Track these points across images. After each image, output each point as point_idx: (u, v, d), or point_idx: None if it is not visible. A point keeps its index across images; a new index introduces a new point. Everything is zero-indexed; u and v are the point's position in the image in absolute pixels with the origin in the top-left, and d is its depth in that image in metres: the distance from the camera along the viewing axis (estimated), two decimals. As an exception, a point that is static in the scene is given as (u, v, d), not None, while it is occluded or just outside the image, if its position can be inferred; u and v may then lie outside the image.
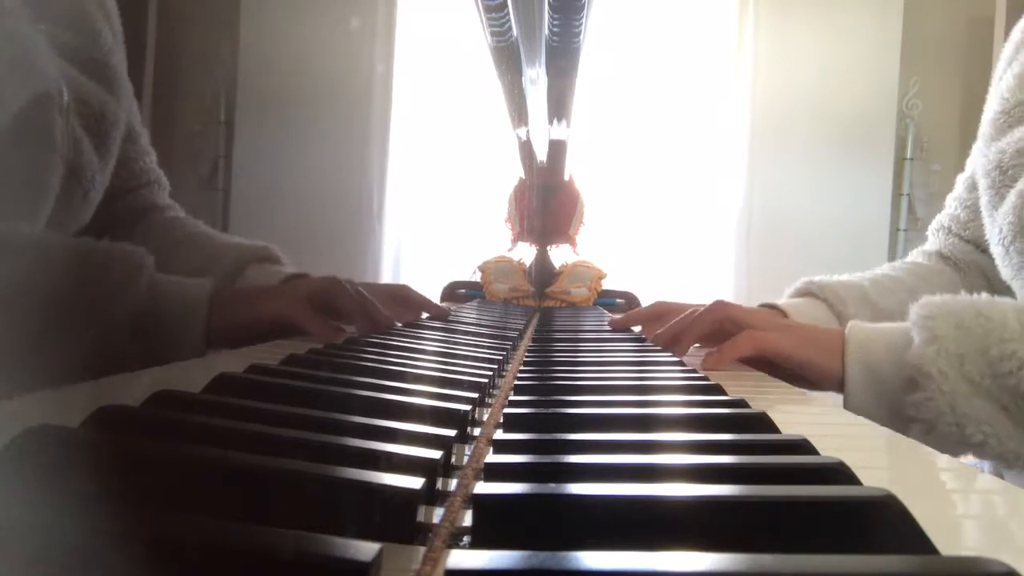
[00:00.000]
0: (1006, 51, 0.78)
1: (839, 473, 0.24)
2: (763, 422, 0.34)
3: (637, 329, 0.85)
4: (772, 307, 0.73)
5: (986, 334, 0.49)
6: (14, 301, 0.48)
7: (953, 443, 0.50)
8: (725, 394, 0.42)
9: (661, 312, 0.80)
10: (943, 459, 0.32)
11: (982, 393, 0.48)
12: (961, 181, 0.85)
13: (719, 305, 0.66)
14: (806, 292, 0.77)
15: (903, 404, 0.51)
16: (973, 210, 0.81)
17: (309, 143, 2.24)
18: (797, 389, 0.52)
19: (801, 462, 0.26)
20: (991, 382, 0.48)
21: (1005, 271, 0.69)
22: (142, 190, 0.86)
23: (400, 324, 0.72)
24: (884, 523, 0.20)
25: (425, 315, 0.84)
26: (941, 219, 0.88)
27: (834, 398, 0.58)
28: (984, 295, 0.53)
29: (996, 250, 0.69)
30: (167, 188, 0.90)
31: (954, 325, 0.50)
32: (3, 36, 0.56)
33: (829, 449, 0.28)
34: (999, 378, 0.48)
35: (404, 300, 0.82)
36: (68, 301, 0.51)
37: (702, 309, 0.67)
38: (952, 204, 0.86)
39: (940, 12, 2.23)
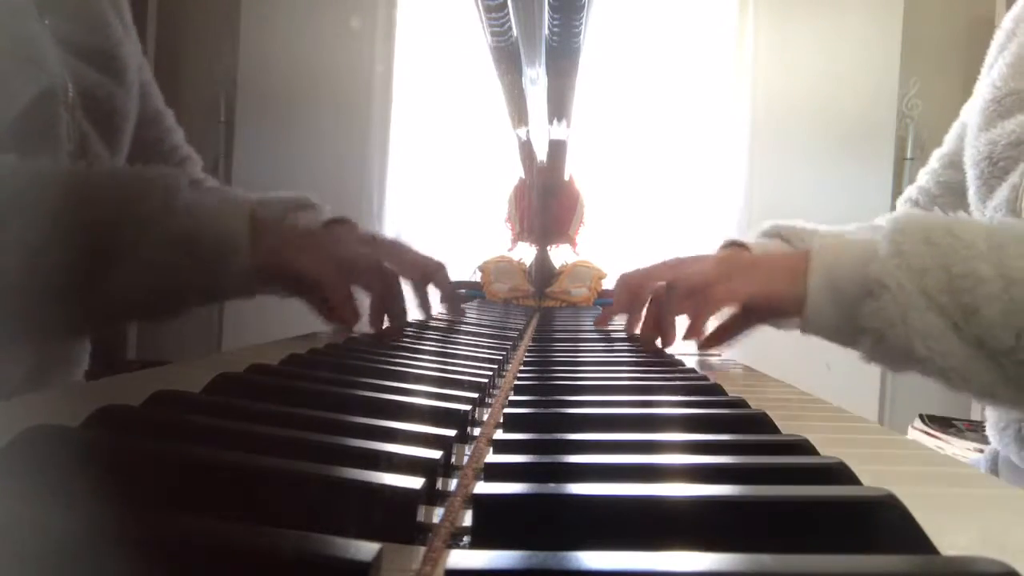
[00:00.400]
0: (997, 38, 0.78)
1: (839, 473, 0.24)
2: (763, 422, 0.34)
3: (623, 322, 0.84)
4: (737, 244, 0.73)
5: (952, 251, 0.49)
6: (50, 235, 0.47)
7: (898, 356, 0.50)
8: (725, 394, 0.42)
9: (631, 290, 0.77)
10: (943, 459, 0.32)
11: (935, 308, 0.49)
12: (936, 157, 0.84)
13: (671, 283, 0.63)
14: (773, 234, 0.78)
15: (857, 314, 0.51)
16: (946, 187, 0.81)
17: (309, 143, 2.24)
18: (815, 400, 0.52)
19: (801, 462, 0.26)
20: (947, 298, 0.48)
21: None
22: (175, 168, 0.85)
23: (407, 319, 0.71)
24: (884, 523, 0.20)
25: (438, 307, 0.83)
26: (910, 191, 0.88)
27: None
28: (962, 214, 0.53)
29: None
30: (200, 163, 0.89)
31: (922, 240, 0.50)
32: (7, 33, 0.56)
33: (829, 449, 0.28)
34: (956, 294, 0.48)
35: (434, 280, 0.79)
36: (106, 235, 0.50)
37: (662, 287, 0.64)
38: (923, 177, 0.86)
39: (940, 12, 2.23)
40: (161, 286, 0.51)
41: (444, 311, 0.86)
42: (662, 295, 0.65)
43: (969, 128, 0.76)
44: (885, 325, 0.50)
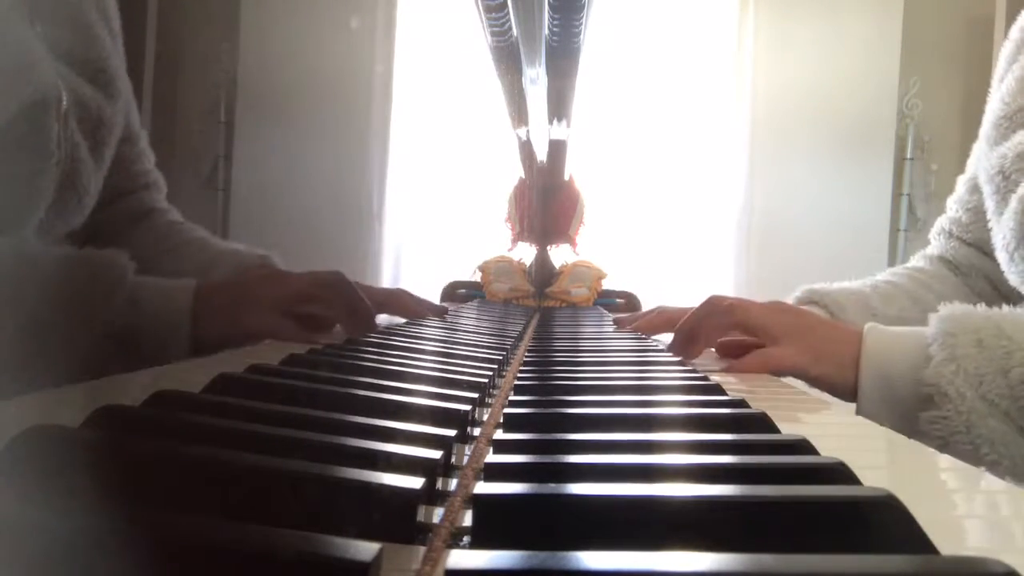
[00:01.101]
0: (1006, 49, 0.78)
1: (839, 473, 0.24)
2: (763, 422, 0.34)
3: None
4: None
5: (1007, 355, 0.49)
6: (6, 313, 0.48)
7: (966, 458, 0.50)
8: (725, 394, 0.42)
9: (664, 320, 0.79)
10: (944, 459, 0.32)
11: (998, 414, 0.48)
12: (962, 183, 0.84)
13: (731, 306, 0.62)
14: (807, 301, 0.77)
15: (917, 419, 0.51)
16: (975, 212, 0.80)
17: (309, 143, 2.24)
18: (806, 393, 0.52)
19: (801, 462, 0.26)
20: (1009, 403, 0.48)
21: (1012, 277, 0.68)
22: (139, 193, 0.85)
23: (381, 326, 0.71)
24: (884, 523, 0.20)
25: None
26: (942, 222, 0.87)
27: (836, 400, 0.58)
28: (1006, 309, 0.52)
29: (1001, 256, 0.69)
30: (164, 190, 0.90)
31: (974, 343, 0.50)
32: (1, 40, 0.56)
33: (829, 449, 0.28)
34: (1017, 400, 0.48)
35: (401, 305, 0.82)
36: (47, 312, 0.50)
37: (712, 309, 0.63)
38: (953, 207, 0.86)
39: (940, 12, 2.23)
40: (104, 363, 0.52)
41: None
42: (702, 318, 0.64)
43: (982, 145, 0.76)
44: (949, 433, 0.49)
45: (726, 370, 0.59)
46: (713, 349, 0.69)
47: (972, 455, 0.49)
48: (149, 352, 0.55)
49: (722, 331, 0.63)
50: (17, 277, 0.51)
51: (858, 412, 0.55)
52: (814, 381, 0.58)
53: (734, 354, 0.63)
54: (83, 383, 0.35)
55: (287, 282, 0.65)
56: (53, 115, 0.59)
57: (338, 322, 0.65)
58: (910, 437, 0.53)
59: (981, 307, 0.53)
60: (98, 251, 0.56)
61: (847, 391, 0.56)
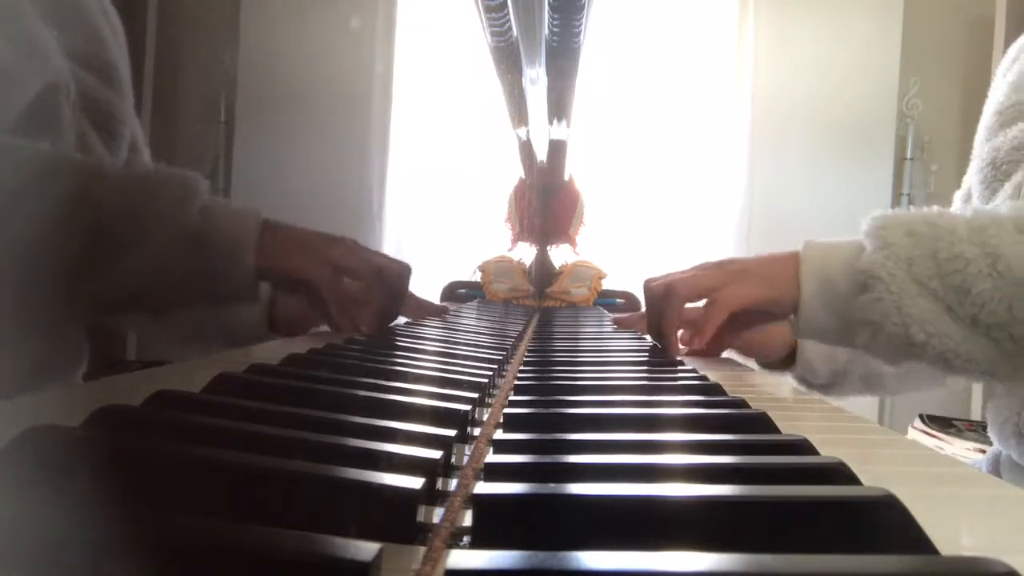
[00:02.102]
0: (1002, 65, 0.81)
1: (839, 473, 0.24)
2: (763, 422, 0.34)
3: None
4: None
5: (935, 238, 0.51)
6: (69, 226, 0.49)
7: (897, 345, 0.52)
8: (725, 394, 0.42)
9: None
10: (943, 459, 0.32)
11: (928, 294, 0.50)
12: (958, 197, 0.86)
13: (667, 292, 0.64)
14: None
15: (852, 309, 0.53)
16: None
17: (309, 143, 2.24)
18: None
19: (801, 462, 0.26)
20: (938, 283, 0.50)
21: None
22: None
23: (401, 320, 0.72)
24: (884, 523, 0.20)
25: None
26: None
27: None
28: (935, 207, 0.55)
29: None
30: None
31: (904, 232, 0.52)
32: (16, 29, 0.57)
33: (826, 447, 0.28)
34: (946, 278, 0.50)
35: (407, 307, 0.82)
36: (123, 224, 0.52)
37: (655, 303, 0.66)
38: None
39: (940, 12, 2.23)
40: (165, 281, 0.53)
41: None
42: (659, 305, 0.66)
43: (975, 147, 0.77)
44: (881, 315, 0.51)
45: (693, 349, 0.60)
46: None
47: (903, 338, 0.51)
48: (217, 264, 0.55)
49: (678, 312, 0.64)
50: (99, 180, 0.53)
51: (800, 317, 0.57)
52: (767, 305, 0.60)
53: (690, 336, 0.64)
54: (83, 383, 0.35)
55: (352, 254, 0.65)
56: (64, 100, 0.61)
57: (367, 315, 0.66)
58: (847, 334, 0.54)
59: (910, 209, 0.55)
60: (172, 168, 0.57)
61: (793, 305, 0.58)
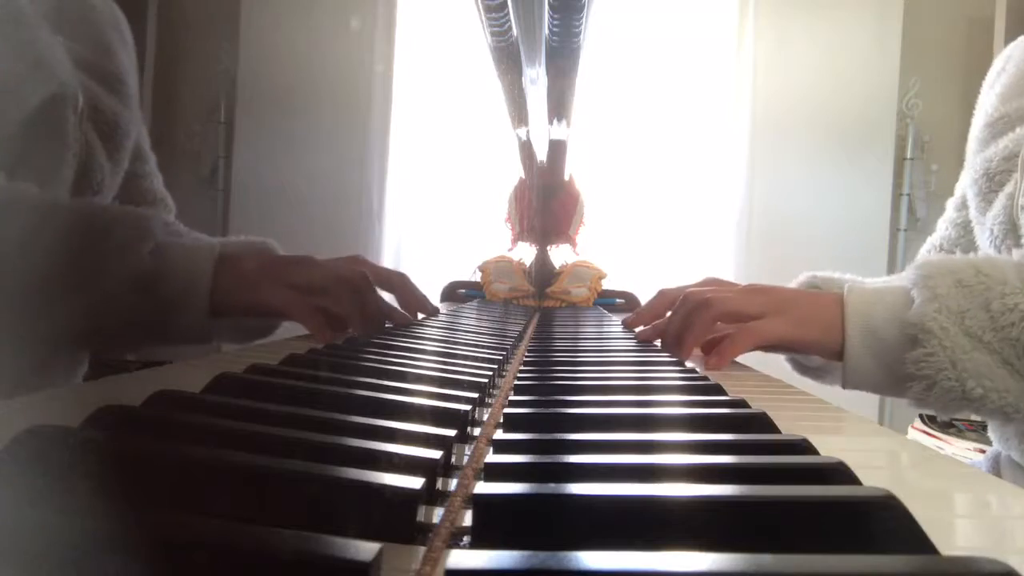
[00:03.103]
0: (989, 77, 0.81)
1: (839, 473, 0.24)
2: (763, 422, 0.34)
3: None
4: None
5: (986, 289, 0.50)
6: (16, 262, 0.49)
7: (953, 399, 0.51)
8: (725, 394, 0.42)
9: (667, 303, 0.79)
10: (942, 459, 0.32)
11: (983, 348, 0.49)
12: (951, 204, 0.87)
13: (708, 300, 0.63)
14: (810, 285, 0.78)
15: (903, 363, 0.52)
16: (963, 227, 0.82)
17: (309, 143, 2.24)
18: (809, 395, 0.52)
19: (801, 462, 0.26)
20: (992, 335, 0.49)
21: None
22: (146, 207, 0.86)
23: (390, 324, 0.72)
24: (884, 523, 0.20)
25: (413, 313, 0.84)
26: (933, 240, 0.89)
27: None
28: (981, 253, 0.53)
29: (989, 252, 0.70)
30: (173, 210, 0.90)
31: (954, 283, 0.51)
32: (25, 39, 0.57)
33: (829, 450, 0.28)
34: (1000, 331, 0.49)
35: (398, 292, 0.82)
36: (71, 262, 0.51)
37: (692, 306, 0.64)
38: (943, 226, 0.88)
39: (940, 12, 2.23)
40: (113, 321, 0.54)
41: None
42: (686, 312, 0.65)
43: (967, 158, 0.78)
44: (935, 371, 0.50)
45: (714, 358, 0.59)
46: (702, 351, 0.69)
47: (958, 392, 0.50)
48: (169, 307, 0.55)
49: (708, 325, 0.63)
50: (48, 218, 0.52)
51: (846, 368, 0.56)
52: (802, 348, 0.58)
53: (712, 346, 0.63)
54: (83, 383, 0.35)
55: (309, 270, 0.65)
56: (70, 109, 0.60)
57: (349, 322, 0.65)
58: (897, 386, 0.53)
59: (957, 254, 0.54)
60: (125, 206, 0.56)
61: (835, 352, 0.57)
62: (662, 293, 0.82)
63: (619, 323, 0.93)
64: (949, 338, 0.49)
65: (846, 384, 0.58)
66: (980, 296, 0.50)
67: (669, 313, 0.70)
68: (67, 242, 0.51)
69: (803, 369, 0.78)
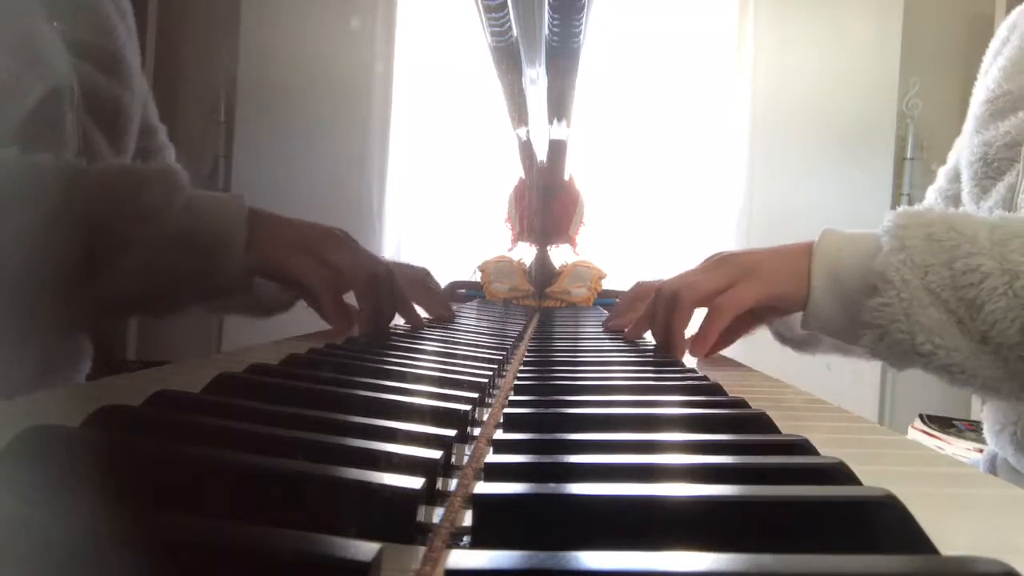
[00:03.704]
0: (992, 46, 0.79)
1: (839, 473, 0.24)
2: (763, 422, 0.34)
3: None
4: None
5: (955, 247, 0.49)
6: (50, 229, 0.48)
7: (902, 352, 0.51)
8: (725, 394, 0.42)
9: (638, 296, 0.80)
10: (942, 459, 0.32)
11: (939, 304, 0.49)
12: (943, 173, 0.85)
13: (675, 293, 0.62)
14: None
15: (860, 310, 0.52)
16: (953, 200, 0.81)
17: (309, 143, 2.24)
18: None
19: (801, 462, 0.26)
20: (951, 294, 0.49)
21: None
22: None
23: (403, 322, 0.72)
24: (884, 523, 0.20)
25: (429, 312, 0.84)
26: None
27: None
28: (962, 209, 0.53)
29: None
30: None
31: (924, 236, 0.50)
32: (14, 32, 0.56)
33: (826, 447, 0.28)
34: (959, 290, 0.48)
35: (424, 286, 0.82)
36: (106, 229, 0.51)
37: (663, 304, 0.63)
38: (932, 195, 0.87)
39: (940, 12, 2.23)
40: (158, 281, 0.52)
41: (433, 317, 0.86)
42: (661, 309, 0.65)
43: (964, 133, 0.76)
44: (889, 321, 0.50)
45: (699, 343, 0.59)
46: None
47: (908, 346, 0.50)
48: (206, 262, 0.54)
49: (686, 319, 0.63)
50: (79, 184, 0.52)
51: (807, 310, 0.56)
52: (776, 303, 0.58)
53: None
54: (83, 383, 0.35)
55: (340, 248, 0.63)
56: (67, 105, 0.60)
57: (361, 316, 0.65)
58: (852, 333, 0.53)
59: (939, 208, 0.54)
60: (151, 165, 0.56)
61: (803, 299, 0.56)
62: (637, 286, 0.82)
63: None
64: (908, 290, 0.49)
65: (804, 325, 0.58)
66: (947, 252, 0.49)
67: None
68: (99, 209, 0.51)
69: (783, 339, 0.77)
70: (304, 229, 0.63)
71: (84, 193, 0.52)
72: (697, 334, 0.61)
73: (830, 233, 0.57)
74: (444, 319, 0.83)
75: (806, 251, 0.57)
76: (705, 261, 0.64)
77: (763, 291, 0.58)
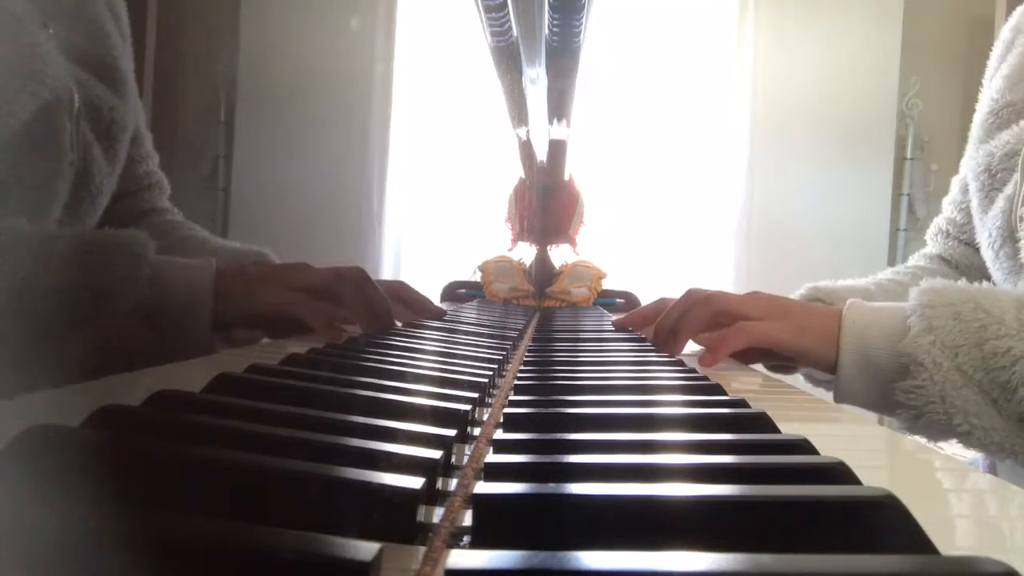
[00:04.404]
0: (996, 50, 0.79)
1: (839, 473, 0.24)
2: (763, 422, 0.34)
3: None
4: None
5: (983, 328, 0.49)
6: (13, 298, 0.48)
7: (939, 431, 0.51)
8: (725, 394, 0.42)
9: (662, 309, 0.80)
10: (942, 459, 0.32)
11: (973, 385, 0.49)
12: (956, 183, 0.85)
13: (708, 297, 0.64)
14: (811, 298, 0.77)
15: (893, 390, 0.52)
16: (968, 212, 0.81)
17: (309, 143, 2.24)
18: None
19: (801, 462, 0.26)
20: (983, 375, 0.49)
21: (996, 274, 0.69)
22: (143, 193, 0.86)
23: (399, 324, 0.71)
24: (884, 523, 0.20)
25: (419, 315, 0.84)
26: (939, 223, 0.88)
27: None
28: (986, 284, 0.53)
29: (987, 254, 0.69)
30: (167, 191, 0.90)
31: (951, 316, 0.50)
32: (14, 43, 0.56)
33: (829, 450, 0.28)
34: (991, 372, 0.48)
35: (403, 298, 0.82)
36: (69, 296, 0.51)
37: (691, 302, 0.65)
38: (948, 208, 0.87)
39: (940, 12, 2.23)
40: (126, 349, 0.53)
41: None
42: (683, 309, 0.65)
43: (970, 142, 0.76)
44: (923, 403, 0.50)
45: (708, 354, 0.59)
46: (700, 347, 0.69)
47: (945, 426, 0.50)
48: (172, 329, 0.55)
49: (703, 322, 0.63)
50: (41, 256, 0.51)
51: (837, 384, 0.56)
52: (796, 355, 0.59)
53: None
54: (83, 383, 0.35)
55: (308, 272, 0.65)
56: (66, 116, 0.60)
57: (356, 319, 0.65)
58: (886, 410, 0.53)
59: (962, 282, 0.53)
60: (119, 231, 0.56)
61: (828, 365, 0.57)
62: (662, 300, 0.82)
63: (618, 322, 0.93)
64: (941, 373, 0.49)
65: (837, 399, 0.58)
66: (975, 334, 0.49)
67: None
68: (62, 280, 0.51)
69: (815, 382, 0.78)
70: (265, 271, 0.65)
71: (51, 263, 0.51)
72: (711, 345, 0.60)
73: (857, 306, 0.57)
74: (438, 316, 0.83)
75: (835, 317, 0.57)
76: (750, 292, 0.66)
77: (788, 339, 0.58)
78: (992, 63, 0.79)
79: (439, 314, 0.84)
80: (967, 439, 0.50)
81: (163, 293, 0.55)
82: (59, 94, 0.59)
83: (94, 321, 0.51)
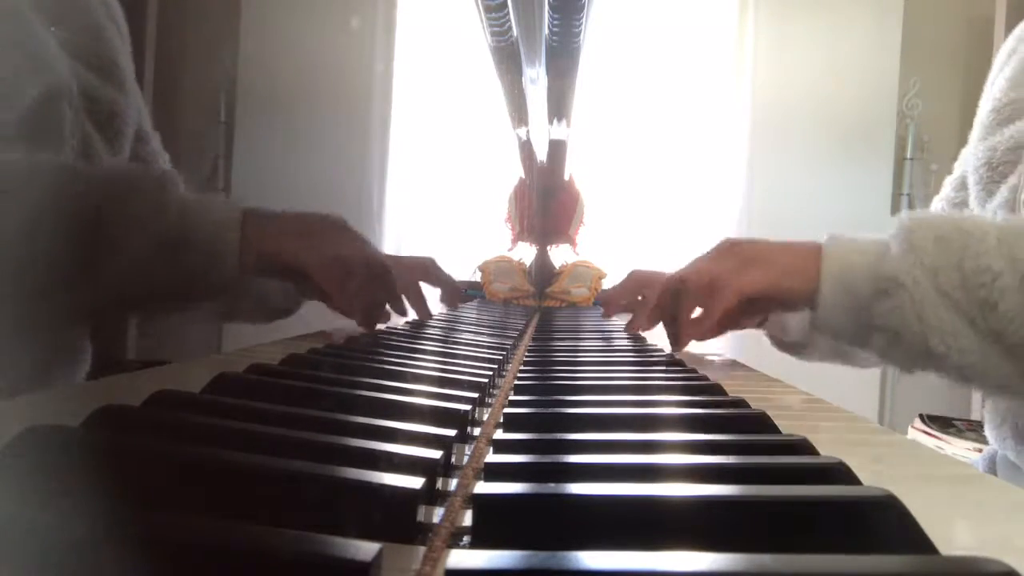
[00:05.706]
0: (999, 58, 0.80)
1: (839, 473, 0.24)
2: (763, 422, 0.34)
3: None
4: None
5: (963, 247, 0.49)
6: (46, 229, 0.48)
7: (915, 354, 0.51)
8: (725, 394, 0.42)
9: (640, 284, 0.81)
10: (942, 459, 0.32)
11: (951, 305, 0.49)
12: (948, 183, 0.86)
13: (681, 279, 0.63)
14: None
15: (871, 314, 0.52)
16: (961, 207, 0.82)
17: (309, 143, 2.24)
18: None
19: (801, 462, 0.26)
20: (962, 294, 0.49)
21: None
22: None
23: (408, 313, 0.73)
24: (884, 523, 0.20)
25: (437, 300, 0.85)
26: None
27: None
28: (967, 212, 0.53)
29: None
30: (180, 188, 0.90)
31: (933, 238, 0.50)
32: (14, 32, 0.56)
33: (826, 447, 0.28)
34: (971, 290, 0.48)
35: (431, 275, 0.84)
36: (97, 230, 0.50)
37: (670, 294, 0.64)
38: (938, 205, 0.87)
39: (940, 12, 2.23)
40: (150, 284, 0.52)
41: (444, 306, 0.88)
42: (668, 298, 0.65)
43: (970, 142, 0.77)
44: (901, 323, 0.50)
45: (700, 327, 0.59)
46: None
47: (921, 348, 0.50)
48: (199, 263, 0.54)
49: (692, 303, 0.63)
50: (73, 186, 0.51)
51: (816, 314, 0.56)
52: (778, 296, 0.58)
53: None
54: (83, 383, 0.35)
55: (339, 238, 0.62)
56: (65, 103, 0.60)
57: (348, 308, 0.64)
58: (863, 337, 0.53)
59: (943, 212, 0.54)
60: (144, 167, 0.55)
61: (809, 297, 0.56)
62: (633, 273, 0.83)
63: (619, 323, 0.94)
64: (920, 291, 0.49)
65: (814, 327, 0.57)
66: (956, 254, 0.49)
67: (640, 298, 0.70)
68: (93, 211, 0.50)
69: (781, 345, 0.77)
70: (300, 219, 0.62)
71: (79, 194, 0.51)
72: (699, 315, 0.60)
73: (837, 237, 0.57)
74: (455, 304, 0.84)
75: (814, 251, 0.57)
76: (713, 248, 0.64)
77: (772, 281, 0.58)
78: (994, 68, 0.80)
79: (456, 294, 0.86)
80: (942, 363, 0.49)
81: (189, 224, 0.53)
82: (60, 82, 0.59)
83: (124, 249, 0.50)
